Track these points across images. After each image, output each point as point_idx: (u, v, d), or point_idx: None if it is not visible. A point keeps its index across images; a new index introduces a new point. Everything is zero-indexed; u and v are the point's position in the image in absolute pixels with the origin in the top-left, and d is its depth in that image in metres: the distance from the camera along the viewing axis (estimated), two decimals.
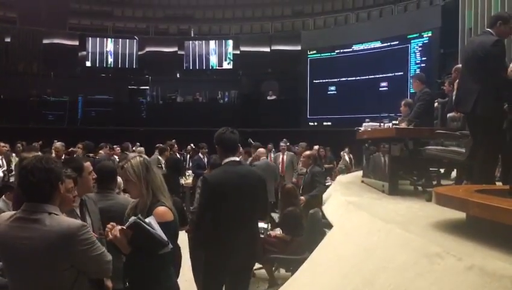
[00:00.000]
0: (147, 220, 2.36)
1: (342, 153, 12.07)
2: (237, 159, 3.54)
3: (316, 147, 11.47)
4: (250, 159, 8.95)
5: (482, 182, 3.59)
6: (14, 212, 2.25)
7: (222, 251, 3.33)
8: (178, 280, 3.94)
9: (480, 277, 1.96)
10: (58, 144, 7.73)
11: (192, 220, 4.04)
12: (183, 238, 4.28)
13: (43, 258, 2.08)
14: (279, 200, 5.93)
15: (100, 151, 8.60)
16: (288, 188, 5.75)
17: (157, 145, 9.24)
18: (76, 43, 17.25)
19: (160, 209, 2.50)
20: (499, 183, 4.05)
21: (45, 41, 17.01)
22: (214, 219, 3.30)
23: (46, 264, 2.09)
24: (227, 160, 3.45)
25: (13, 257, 2.14)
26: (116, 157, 8.38)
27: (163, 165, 7.73)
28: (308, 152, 7.66)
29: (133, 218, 2.36)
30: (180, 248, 3.97)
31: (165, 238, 2.35)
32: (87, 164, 3.14)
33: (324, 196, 6.12)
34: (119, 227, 2.39)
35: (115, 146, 10.19)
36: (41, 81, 16.63)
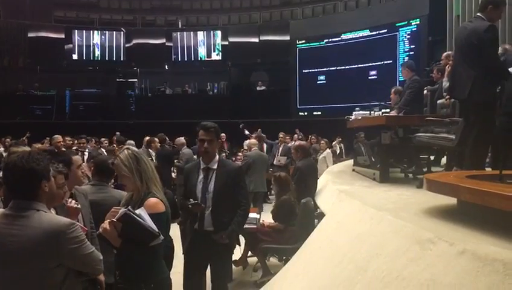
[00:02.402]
0: (137, 211, 2.33)
1: (333, 143, 12.10)
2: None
3: (296, 132, 11.61)
4: (243, 150, 8.95)
5: (473, 168, 3.61)
6: (2, 210, 2.21)
7: None
8: (170, 272, 3.96)
9: (472, 261, 1.97)
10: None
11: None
12: (174, 230, 4.29)
13: (31, 256, 2.04)
14: (275, 189, 5.84)
15: (87, 145, 8.54)
16: (282, 175, 5.71)
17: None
18: (62, 36, 17.01)
19: (152, 200, 2.47)
20: (488, 169, 4.08)
21: (30, 34, 16.79)
22: None
23: (34, 262, 2.06)
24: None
25: (0, 254, 2.10)
26: (104, 150, 8.32)
27: (153, 158, 7.69)
28: (297, 143, 7.56)
29: (122, 209, 2.34)
30: (172, 240, 3.97)
31: (156, 230, 2.33)
32: (76, 157, 3.11)
33: (318, 186, 6.11)
34: (109, 220, 2.36)
35: (102, 139, 10.13)
36: (27, 75, 16.43)
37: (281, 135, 10.54)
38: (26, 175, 2.08)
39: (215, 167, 3.63)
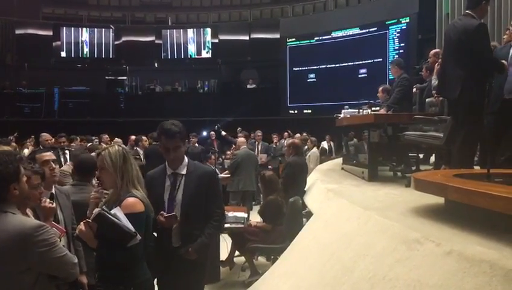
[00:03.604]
0: (112, 211, 2.27)
1: (322, 142, 12.11)
2: None
3: (286, 134, 11.63)
4: (232, 148, 8.91)
5: (461, 167, 3.60)
6: None
7: None
8: None
9: (459, 262, 1.94)
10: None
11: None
12: None
13: None
14: (262, 189, 5.81)
15: (72, 144, 8.44)
16: (269, 175, 5.68)
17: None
18: (51, 33, 16.83)
19: (129, 200, 2.42)
20: (476, 168, 4.07)
21: (18, 31, 16.60)
22: None
23: (1, 266, 1.97)
24: None
25: None
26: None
27: (141, 156, 7.62)
28: (290, 140, 7.53)
29: (97, 210, 2.28)
30: None
31: (132, 230, 2.27)
32: (41, 155, 2.99)
33: (307, 185, 6.08)
34: (85, 221, 2.30)
35: (93, 138, 10.05)
36: (15, 73, 16.27)
37: (258, 134, 10.57)
38: None
39: (183, 172, 3.06)
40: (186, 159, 3.12)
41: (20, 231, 1.97)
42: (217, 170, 5.06)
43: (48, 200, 2.50)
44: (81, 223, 2.32)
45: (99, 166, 2.56)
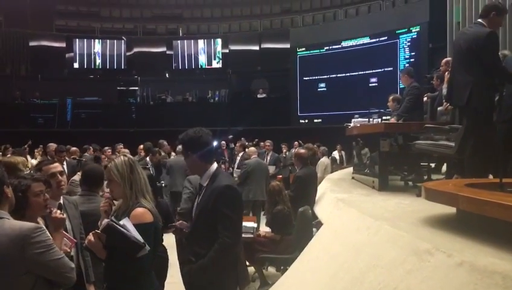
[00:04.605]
0: (121, 222, 2.27)
1: (333, 152, 12.04)
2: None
3: (296, 143, 11.47)
4: (239, 157, 8.86)
5: (472, 176, 3.54)
6: None
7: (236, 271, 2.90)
8: (166, 282, 3.90)
9: (470, 273, 1.90)
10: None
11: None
12: (171, 240, 4.21)
13: None
14: (267, 199, 5.79)
15: (85, 154, 8.52)
16: (271, 186, 5.65)
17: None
18: (64, 44, 17.09)
19: (138, 210, 2.42)
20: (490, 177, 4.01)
21: (32, 43, 16.86)
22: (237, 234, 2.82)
23: (0, 270, 1.97)
24: (216, 166, 2.91)
25: None
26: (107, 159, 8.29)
27: (150, 167, 7.63)
28: (300, 151, 7.47)
29: (105, 220, 2.28)
30: (166, 250, 3.90)
31: (141, 240, 2.27)
32: (48, 167, 2.97)
33: (318, 194, 6.04)
34: (94, 231, 2.30)
35: (106, 148, 10.07)
36: (29, 84, 16.48)
37: (267, 144, 10.35)
38: None
39: (205, 183, 2.82)
40: (212, 170, 2.82)
41: (18, 233, 1.98)
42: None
43: (59, 211, 2.50)
44: (91, 233, 2.32)
45: (108, 178, 2.57)
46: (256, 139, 12.30)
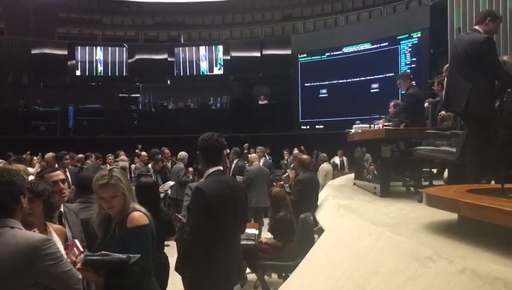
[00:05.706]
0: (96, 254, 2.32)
1: (334, 158, 12.02)
2: (221, 168, 3.17)
3: (296, 150, 11.43)
4: (234, 165, 8.83)
5: (472, 180, 3.53)
6: None
7: (215, 271, 2.96)
8: (168, 288, 3.89)
9: (472, 280, 1.89)
10: None
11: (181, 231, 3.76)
12: (173, 249, 4.21)
13: (6, 275, 1.96)
14: (270, 205, 5.79)
15: (87, 161, 8.53)
16: (275, 191, 5.65)
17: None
18: (65, 52, 17.14)
19: (135, 214, 2.44)
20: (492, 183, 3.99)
21: (34, 51, 16.93)
22: (207, 234, 2.90)
23: (10, 281, 1.97)
24: (213, 169, 3.07)
25: None
26: (108, 166, 8.28)
27: (152, 174, 7.63)
28: (302, 156, 7.47)
29: (80, 257, 2.31)
30: (167, 257, 3.89)
31: (123, 257, 2.27)
32: (49, 175, 2.97)
33: (319, 200, 6.03)
34: (77, 266, 2.28)
35: (108, 155, 10.07)
36: (31, 92, 16.54)
37: (257, 150, 10.12)
38: (9, 188, 2.02)
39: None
40: (209, 171, 3.05)
41: (29, 244, 1.98)
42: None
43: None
44: (77, 267, 2.28)
45: (111, 195, 2.44)
46: (247, 144, 12.24)
